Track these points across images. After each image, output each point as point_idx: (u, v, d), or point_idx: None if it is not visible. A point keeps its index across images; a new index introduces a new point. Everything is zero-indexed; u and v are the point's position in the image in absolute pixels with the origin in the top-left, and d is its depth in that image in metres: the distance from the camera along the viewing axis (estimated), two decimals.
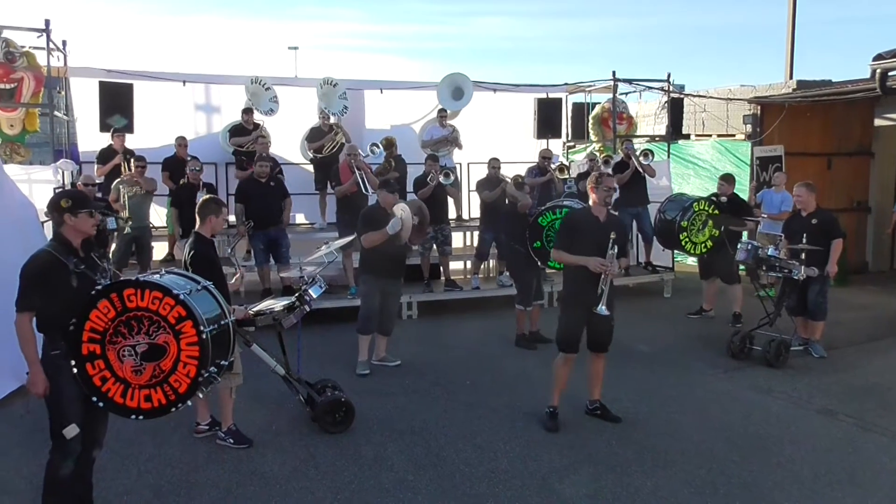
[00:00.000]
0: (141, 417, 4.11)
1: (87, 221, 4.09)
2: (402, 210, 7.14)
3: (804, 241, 7.51)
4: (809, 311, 7.82)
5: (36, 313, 3.93)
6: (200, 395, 4.26)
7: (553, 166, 10.42)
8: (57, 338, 3.97)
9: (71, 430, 3.97)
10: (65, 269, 3.95)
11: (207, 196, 5.72)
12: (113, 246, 9.28)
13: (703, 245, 9.04)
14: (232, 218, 9.24)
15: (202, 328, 4.06)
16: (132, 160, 9.38)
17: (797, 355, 7.75)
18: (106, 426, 4.33)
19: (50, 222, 5.38)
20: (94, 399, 4.02)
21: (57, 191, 8.39)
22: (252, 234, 8.90)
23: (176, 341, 4.03)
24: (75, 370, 3.96)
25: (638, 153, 10.85)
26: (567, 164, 11.31)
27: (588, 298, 5.51)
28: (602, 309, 5.44)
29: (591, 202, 5.73)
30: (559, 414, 5.91)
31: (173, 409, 4.12)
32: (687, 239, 8.96)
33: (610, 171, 11.17)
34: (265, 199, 9.15)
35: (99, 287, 4.00)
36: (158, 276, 4.28)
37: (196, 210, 5.53)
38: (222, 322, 4.37)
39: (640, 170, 10.75)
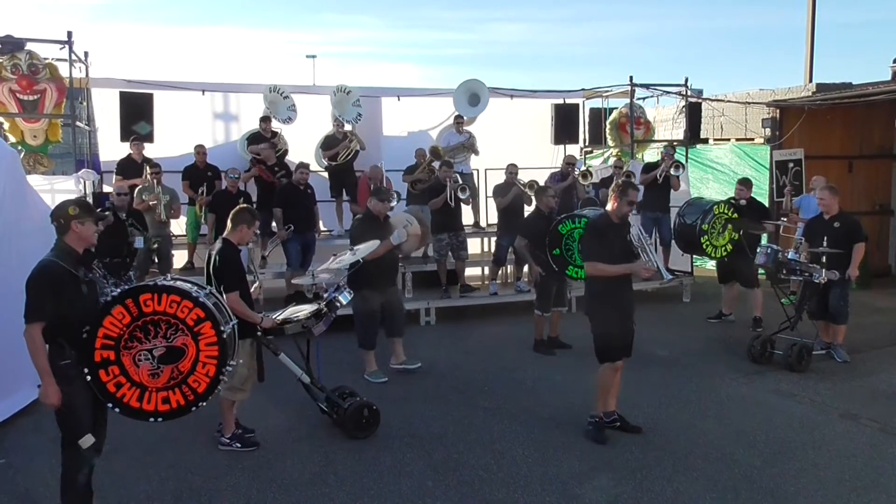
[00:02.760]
0: (160, 420, 4.17)
1: (91, 229, 4.12)
2: (405, 220, 7.11)
3: (825, 244, 7.44)
4: (831, 315, 7.73)
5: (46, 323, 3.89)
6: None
7: (576, 172, 10.45)
8: (65, 346, 3.94)
9: (87, 440, 3.97)
10: (75, 278, 3.95)
11: (244, 205, 5.78)
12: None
13: (723, 248, 8.99)
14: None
15: (222, 328, 4.17)
16: (148, 168, 9.46)
17: (819, 359, 7.66)
18: (105, 433, 4.32)
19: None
20: (111, 405, 4.05)
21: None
22: (289, 239, 9.06)
23: (195, 342, 4.12)
24: (89, 378, 3.98)
25: (671, 162, 10.81)
26: (591, 171, 11.26)
27: (623, 301, 5.54)
28: (666, 274, 5.59)
29: (609, 208, 5.62)
30: (570, 420, 5.89)
31: (193, 409, 4.18)
32: (708, 242, 8.92)
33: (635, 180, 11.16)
34: (303, 205, 9.40)
35: (114, 294, 4.03)
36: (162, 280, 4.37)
37: (229, 216, 5.58)
38: (231, 323, 4.51)
39: (661, 176, 10.73)
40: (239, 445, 5.55)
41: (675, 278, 5.46)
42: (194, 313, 4.11)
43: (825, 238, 7.50)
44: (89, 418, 4.06)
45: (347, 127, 11.03)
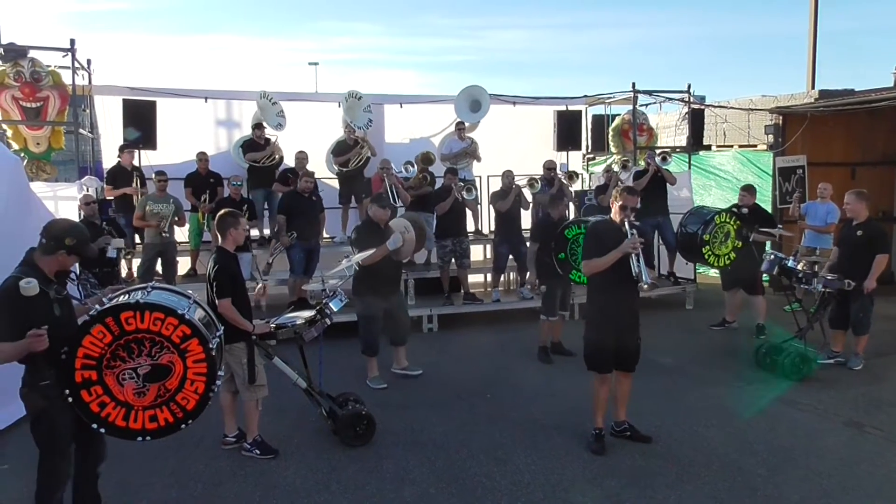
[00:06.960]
0: (148, 438, 4.03)
1: (74, 261, 4.06)
2: (403, 226, 7.13)
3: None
4: (852, 326, 7.73)
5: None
6: None
7: (560, 174, 10.45)
8: (43, 367, 3.81)
9: None
10: (45, 297, 3.79)
11: (223, 212, 5.73)
12: (138, 261, 9.40)
13: (725, 257, 8.95)
14: (254, 232, 9.37)
15: (210, 345, 4.03)
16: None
17: (823, 367, 7.61)
18: (105, 441, 4.25)
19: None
20: (95, 425, 3.93)
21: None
22: (292, 246, 9.09)
23: (182, 360, 3.98)
24: (70, 399, 3.84)
25: (657, 157, 10.80)
26: (578, 172, 11.25)
27: (620, 315, 5.44)
28: (646, 280, 5.28)
29: (612, 214, 5.61)
30: (573, 428, 5.85)
31: (183, 426, 4.06)
32: (710, 252, 8.86)
33: (629, 175, 11.17)
34: (307, 213, 9.43)
35: (93, 312, 3.87)
36: (143, 293, 4.16)
37: (215, 227, 5.59)
38: (217, 334, 4.40)
39: (660, 173, 10.70)
40: (258, 452, 5.55)
41: (653, 284, 5.34)
42: (180, 330, 3.95)
43: (841, 245, 7.42)
44: (67, 441, 3.97)
45: (359, 133, 11.02)
